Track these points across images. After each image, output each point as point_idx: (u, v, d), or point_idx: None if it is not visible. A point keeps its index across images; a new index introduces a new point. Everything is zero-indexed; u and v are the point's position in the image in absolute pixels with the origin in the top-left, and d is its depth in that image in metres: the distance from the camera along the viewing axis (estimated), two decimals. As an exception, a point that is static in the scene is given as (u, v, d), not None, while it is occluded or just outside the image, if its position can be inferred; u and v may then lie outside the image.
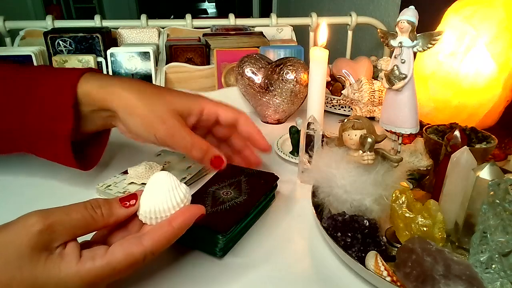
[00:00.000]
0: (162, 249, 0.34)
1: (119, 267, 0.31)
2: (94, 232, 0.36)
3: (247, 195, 0.45)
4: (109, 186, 0.52)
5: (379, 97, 0.74)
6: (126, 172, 0.54)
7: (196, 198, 0.45)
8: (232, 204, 0.44)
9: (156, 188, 0.35)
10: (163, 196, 0.35)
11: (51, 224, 0.30)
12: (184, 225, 0.35)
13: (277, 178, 0.50)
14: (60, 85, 0.45)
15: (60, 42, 0.85)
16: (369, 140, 0.42)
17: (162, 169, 0.54)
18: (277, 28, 1.03)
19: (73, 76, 0.46)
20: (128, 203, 0.35)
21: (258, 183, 0.48)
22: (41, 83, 0.46)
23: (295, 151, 0.62)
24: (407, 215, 0.40)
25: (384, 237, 0.43)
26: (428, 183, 0.51)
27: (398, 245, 0.41)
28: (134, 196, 0.36)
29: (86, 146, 0.54)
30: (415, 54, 0.48)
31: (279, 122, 0.79)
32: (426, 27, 0.50)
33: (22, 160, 0.61)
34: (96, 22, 0.99)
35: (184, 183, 0.52)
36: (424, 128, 0.54)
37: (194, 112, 0.48)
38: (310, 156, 0.53)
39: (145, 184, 0.51)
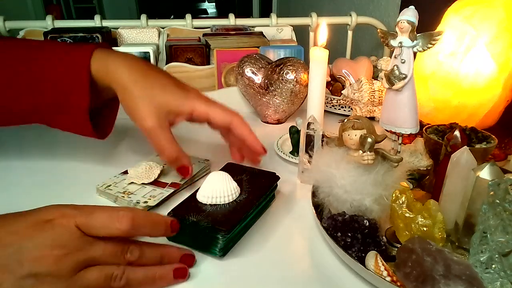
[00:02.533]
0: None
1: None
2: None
3: (247, 194, 0.45)
4: (109, 186, 0.52)
5: (379, 97, 0.74)
6: (126, 172, 0.54)
7: (196, 197, 0.45)
8: (232, 203, 0.44)
9: (215, 179, 0.44)
10: (220, 184, 0.44)
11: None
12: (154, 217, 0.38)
13: (278, 178, 0.50)
14: (74, 64, 0.47)
15: (60, 42, 0.85)
16: (369, 140, 0.42)
17: (162, 169, 0.54)
18: (277, 28, 1.03)
19: (85, 56, 0.47)
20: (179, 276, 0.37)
21: (259, 182, 0.48)
22: (55, 64, 0.47)
23: (295, 151, 0.62)
24: (407, 215, 0.40)
25: (384, 237, 0.43)
26: (428, 183, 0.51)
27: (398, 245, 0.41)
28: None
29: (99, 114, 0.55)
30: (415, 54, 0.48)
31: (279, 122, 0.79)
32: (426, 27, 0.50)
33: (21, 161, 0.61)
34: (96, 22, 0.98)
35: (183, 183, 0.53)
36: (424, 128, 0.54)
37: (183, 113, 0.49)
38: (310, 156, 0.53)
39: (145, 184, 0.52)
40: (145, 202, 0.48)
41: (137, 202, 0.48)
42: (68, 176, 0.57)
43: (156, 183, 0.52)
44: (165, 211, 0.49)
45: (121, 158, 0.62)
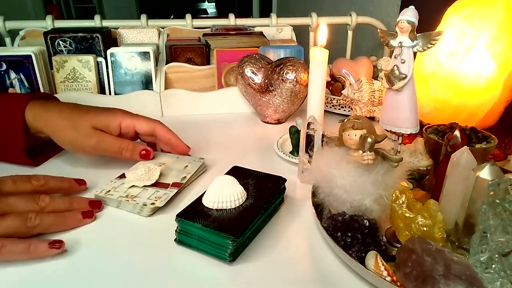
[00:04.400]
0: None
1: None
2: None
3: (254, 199, 0.45)
4: (109, 191, 0.50)
5: (379, 97, 0.74)
6: (122, 176, 0.53)
7: (202, 202, 0.44)
8: (239, 208, 0.43)
9: (221, 183, 0.44)
10: (226, 189, 0.43)
11: None
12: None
13: (285, 180, 0.50)
14: (11, 114, 0.54)
15: (60, 42, 0.84)
16: (369, 140, 0.42)
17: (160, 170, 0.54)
18: (277, 28, 1.03)
19: (19, 107, 0.54)
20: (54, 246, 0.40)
21: (265, 186, 0.48)
22: None
23: (295, 151, 0.62)
24: (407, 215, 0.40)
25: (384, 237, 0.43)
26: (428, 183, 0.51)
27: (398, 245, 0.41)
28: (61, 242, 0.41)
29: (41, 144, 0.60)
30: (415, 54, 0.48)
31: (279, 122, 0.79)
32: (426, 27, 0.50)
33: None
34: (96, 22, 0.99)
35: (185, 182, 0.53)
36: (424, 128, 0.54)
37: (112, 127, 0.55)
38: (310, 156, 0.53)
39: (146, 186, 0.51)
40: (152, 203, 0.48)
41: (144, 205, 0.47)
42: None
43: (157, 184, 0.52)
44: (171, 211, 0.49)
45: (112, 162, 0.59)
